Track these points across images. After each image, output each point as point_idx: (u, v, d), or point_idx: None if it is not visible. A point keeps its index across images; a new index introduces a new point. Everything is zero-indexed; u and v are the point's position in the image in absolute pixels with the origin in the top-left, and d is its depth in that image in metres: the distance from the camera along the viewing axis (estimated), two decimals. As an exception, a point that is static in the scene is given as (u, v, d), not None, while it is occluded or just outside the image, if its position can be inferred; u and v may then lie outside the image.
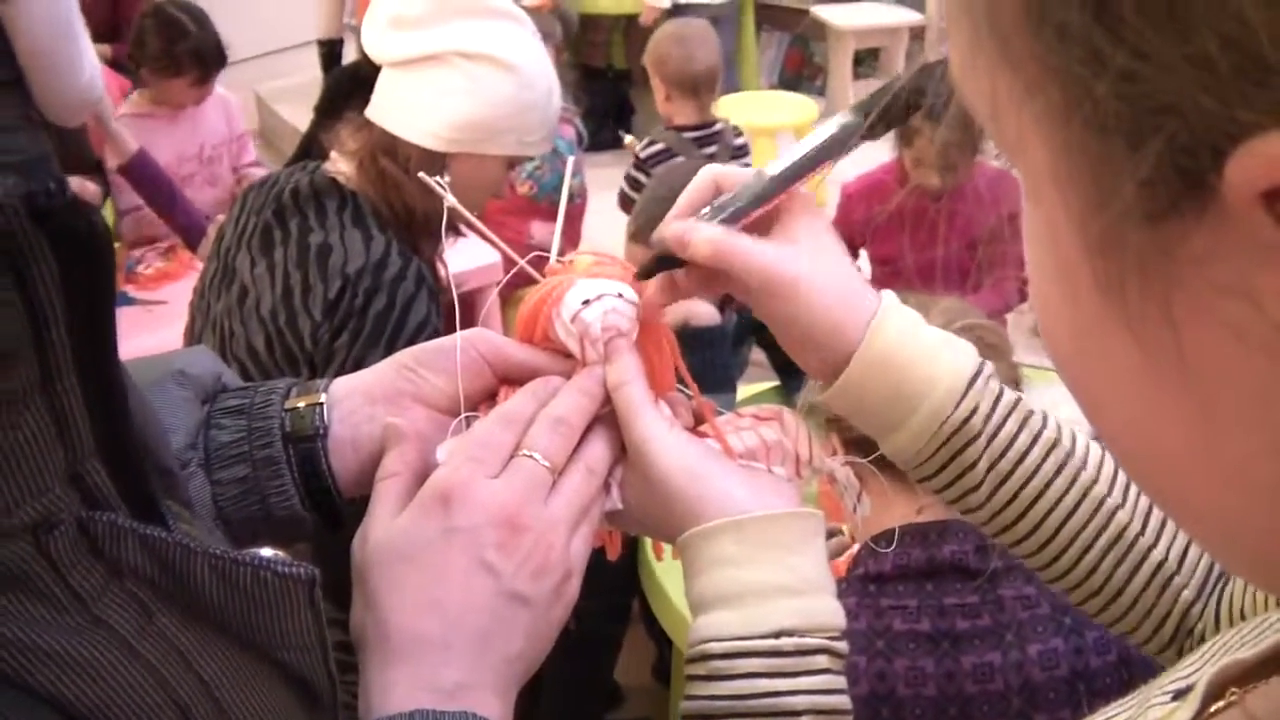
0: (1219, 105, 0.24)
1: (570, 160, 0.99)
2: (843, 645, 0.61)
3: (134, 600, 0.43)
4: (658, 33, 3.32)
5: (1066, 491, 0.67)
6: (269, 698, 0.48)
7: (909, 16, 5.46)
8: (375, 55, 1.50)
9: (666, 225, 0.66)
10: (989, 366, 0.67)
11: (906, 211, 2.41)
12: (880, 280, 1.81)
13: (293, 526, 0.66)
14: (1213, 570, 0.69)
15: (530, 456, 0.60)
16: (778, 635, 0.59)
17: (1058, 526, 0.67)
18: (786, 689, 0.58)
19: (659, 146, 3.03)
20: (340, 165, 1.54)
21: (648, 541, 1.72)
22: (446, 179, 0.76)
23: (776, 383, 2.37)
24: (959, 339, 0.67)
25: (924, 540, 1.18)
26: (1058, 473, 0.67)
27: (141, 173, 2.70)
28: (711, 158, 3.02)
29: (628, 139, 3.75)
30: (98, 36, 2.72)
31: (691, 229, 0.64)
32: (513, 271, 0.72)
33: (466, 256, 2.56)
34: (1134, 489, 0.69)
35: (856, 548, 1.31)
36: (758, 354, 2.45)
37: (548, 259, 0.70)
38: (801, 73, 5.98)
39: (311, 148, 1.66)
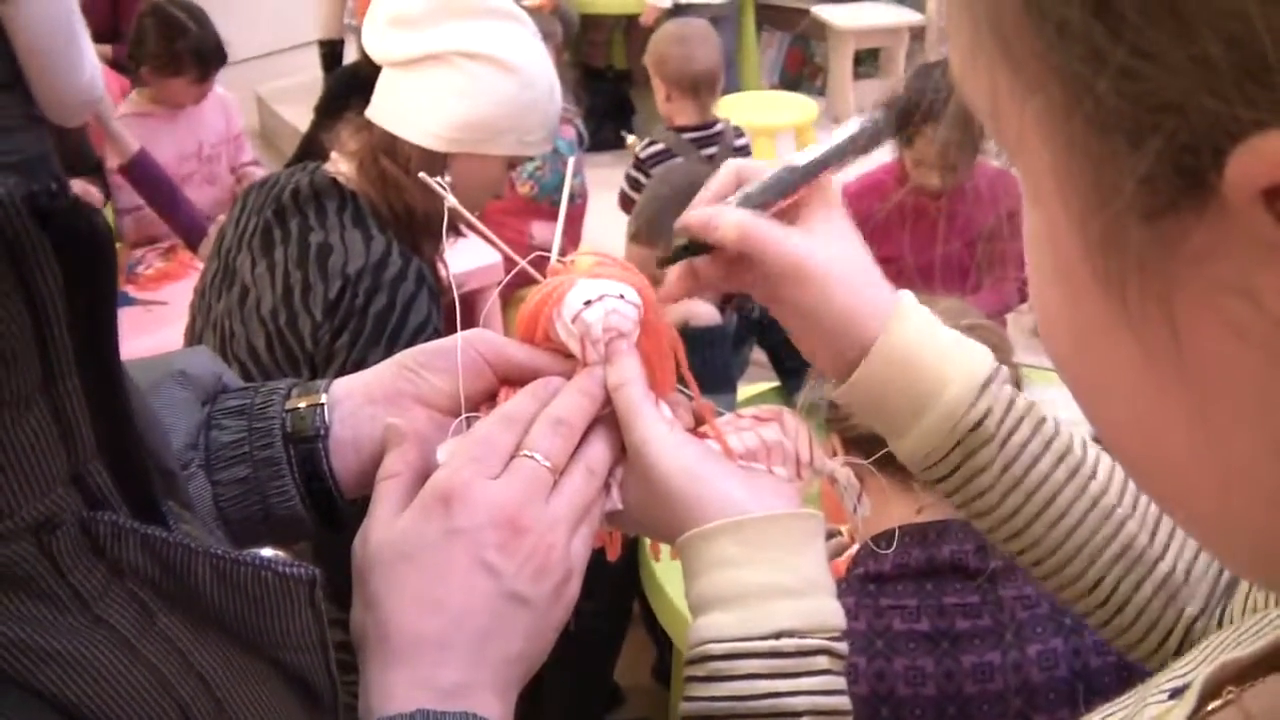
0: (1220, 104, 0.24)
1: (571, 160, 0.99)
2: (843, 646, 0.61)
3: (135, 600, 0.43)
4: (658, 33, 3.32)
5: (1076, 500, 0.66)
6: (270, 698, 0.48)
7: (909, 16, 5.46)
8: (376, 55, 1.50)
9: (690, 212, 0.66)
10: (1004, 371, 0.67)
11: (907, 211, 2.41)
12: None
13: (293, 527, 0.66)
14: (1218, 584, 0.68)
15: (531, 457, 0.60)
16: (778, 636, 0.59)
17: (1066, 535, 0.67)
18: (786, 690, 0.58)
19: (658, 147, 3.03)
20: (341, 165, 1.54)
21: (647, 541, 1.72)
22: (447, 179, 0.76)
23: (777, 383, 2.37)
24: (974, 341, 0.67)
25: (923, 540, 1.18)
26: (1068, 481, 0.66)
27: (143, 173, 2.70)
28: (711, 158, 3.02)
29: (629, 138, 3.75)
30: (98, 37, 2.71)
31: (718, 212, 0.65)
32: (513, 272, 0.72)
33: (467, 257, 2.56)
34: (1143, 500, 0.68)
35: (856, 548, 1.31)
36: (758, 354, 2.45)
37: (548, 259, 0.70)
38: (802, 73, 5.98)
39: (312, 148, 1.66)
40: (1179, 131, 0.25)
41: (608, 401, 0.65)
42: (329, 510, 0.67)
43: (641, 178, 2.96)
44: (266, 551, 0.49)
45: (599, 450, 0.64)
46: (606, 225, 2.99)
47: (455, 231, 1.53)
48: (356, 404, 0.67)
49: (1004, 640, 1.14)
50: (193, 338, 1.60)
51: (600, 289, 0.65)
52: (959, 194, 2.45)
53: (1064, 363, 0.34)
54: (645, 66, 3.21)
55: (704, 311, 1.89)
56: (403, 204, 1.50)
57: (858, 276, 0.66)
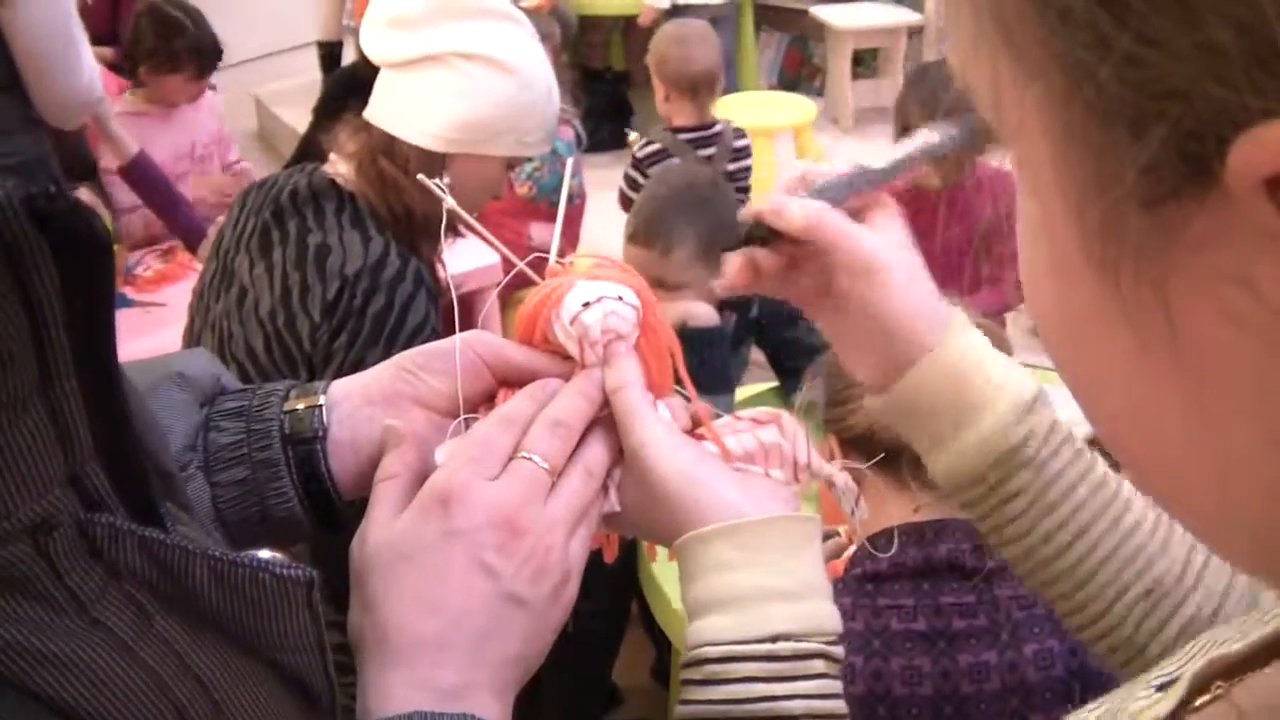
0: (1228, 91, 0.24)
1: (569, 161, 0.99)
2: (839, 650, 0.61)
3: (132, 602, 0.43)
4: (658, 33, 3.32)
5: (1108, 533, 0.65)
6: (267, 700, 0.48)
7: (908, 16, 5.46)
8: (374, 56, 1.50)
9: (756, 202, 0.67)
10: (1048, 395, 0.66)
11: (907, 211, 2.41)
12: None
13: (291, 528, 0.66)
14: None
15: (529, 459, 0.60)
16: (774, 640, 0.59)
17: (1095, 569, 0.66)
18: (783, 693, 0.58)
19: (655, 147, 3.03)
20: (339, 167, 1.54)
21: (643, 542, 1.72)
22: (446, 180, 0.76)
23: (775, 383, 2.37)
24: (1020, 366, 0.67)
25: (920, 539, 1.18)
26: (1103, 511, 0.66)
27: (142, 174, 2.70)
28: (709, 159, 3.02)
29: (631, 135, 3.75)
30: (98, 40, 2.71)
31: (788, 200, 0.66)
32: (512, 273, 0.72)
33: (465, 258, 2.56)
34: (1173, 538, 0.67)
35: (853, 549, 1.31)
36: (756, 354, 2.45)
37: (547, 260, 0.70)
38: (800, 73, 5.98)
39: (310, 149, 1.66)
40: (1183, 119, 0.25)
41: (606, 403, 0.65)
42: (327, 512, 0.67)
43: (640, 178, 2.96)
44: (264, 553, 0.49)
45: (597, 452, 0.64)
46: (605, 226, 2.98)
47: (454, 232, 1.53)
48: (355, 405, 0.67)
49: (1000, 640, 1.14)
50: (191, 339, 1.60)
51: (599, 291, 0.65)
52: (959, 194, 2.45)
53: (1059, 355, 0.34)
54: (643, 67, 3.21)
55: (702, 312, 1.89)
56: (401, 205, 1.50)
57: (918, 284, 0.67)
